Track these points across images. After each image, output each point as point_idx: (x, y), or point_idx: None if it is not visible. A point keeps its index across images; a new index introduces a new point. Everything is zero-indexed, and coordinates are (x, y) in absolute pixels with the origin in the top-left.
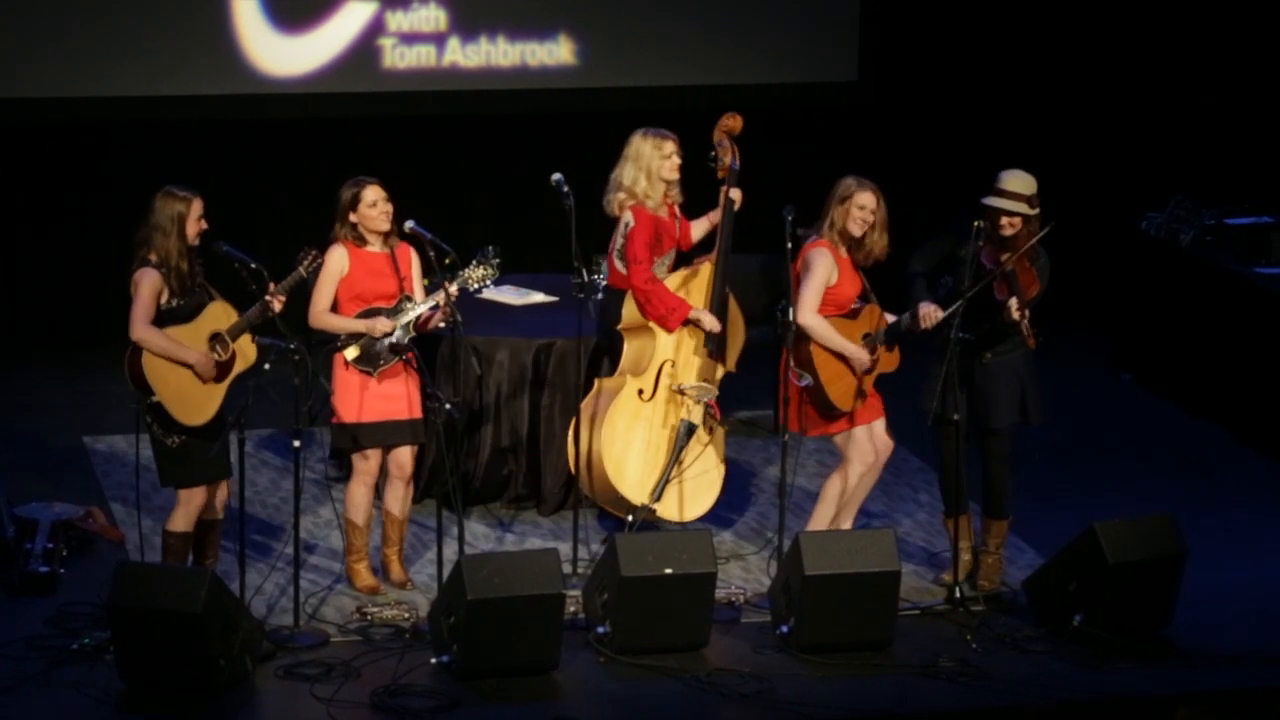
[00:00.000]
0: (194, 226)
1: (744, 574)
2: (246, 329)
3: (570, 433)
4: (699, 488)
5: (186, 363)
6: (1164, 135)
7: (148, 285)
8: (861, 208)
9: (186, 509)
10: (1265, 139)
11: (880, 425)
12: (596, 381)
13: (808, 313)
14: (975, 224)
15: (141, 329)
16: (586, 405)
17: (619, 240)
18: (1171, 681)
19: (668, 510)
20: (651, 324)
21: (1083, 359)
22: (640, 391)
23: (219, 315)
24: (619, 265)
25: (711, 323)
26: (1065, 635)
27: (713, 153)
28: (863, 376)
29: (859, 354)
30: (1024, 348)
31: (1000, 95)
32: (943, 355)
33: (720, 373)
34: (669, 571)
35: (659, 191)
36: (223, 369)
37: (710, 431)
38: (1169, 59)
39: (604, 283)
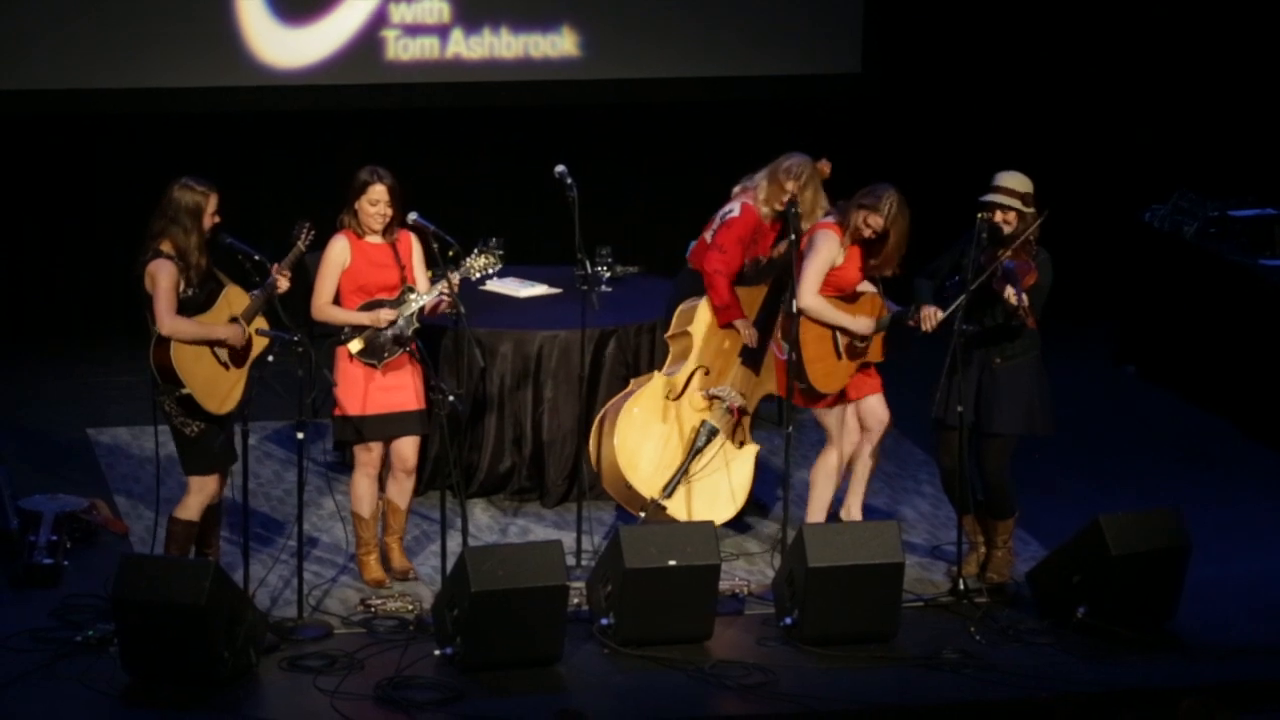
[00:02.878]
0: (209, 220)
1: (748, 566)
2: (259, 311)
3: (595, 424)
4: (711, 495)
5: (219, 340)
6: (1167, 128)
7: (167, 277)
8: (867, 225)
9: (198, 497)
10: (1268, 131)
11: (874, 399)
12: (631, 380)
13: (808, 294)
14: (980, 215)
15: (170, 321)
16: (615, 397)
17: (716, 223)
18: (1175, 674)
19: (676, 509)
20: (692, 332)
21: (1086, 351)
22: (669, 391)
23: (233, 300)
24: (709, 241)
25: (750, 335)
26: (1069, 627)
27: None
28: (851, 363)
29: (860, 324)
30: (1035, 351)
31: (1004, 87)
32: (949, 353)
33: (758, 391)
34: (673, 563)
35: (770, 210)
36: (243, 354)
37: (738, 442)
38: (1173, 51)
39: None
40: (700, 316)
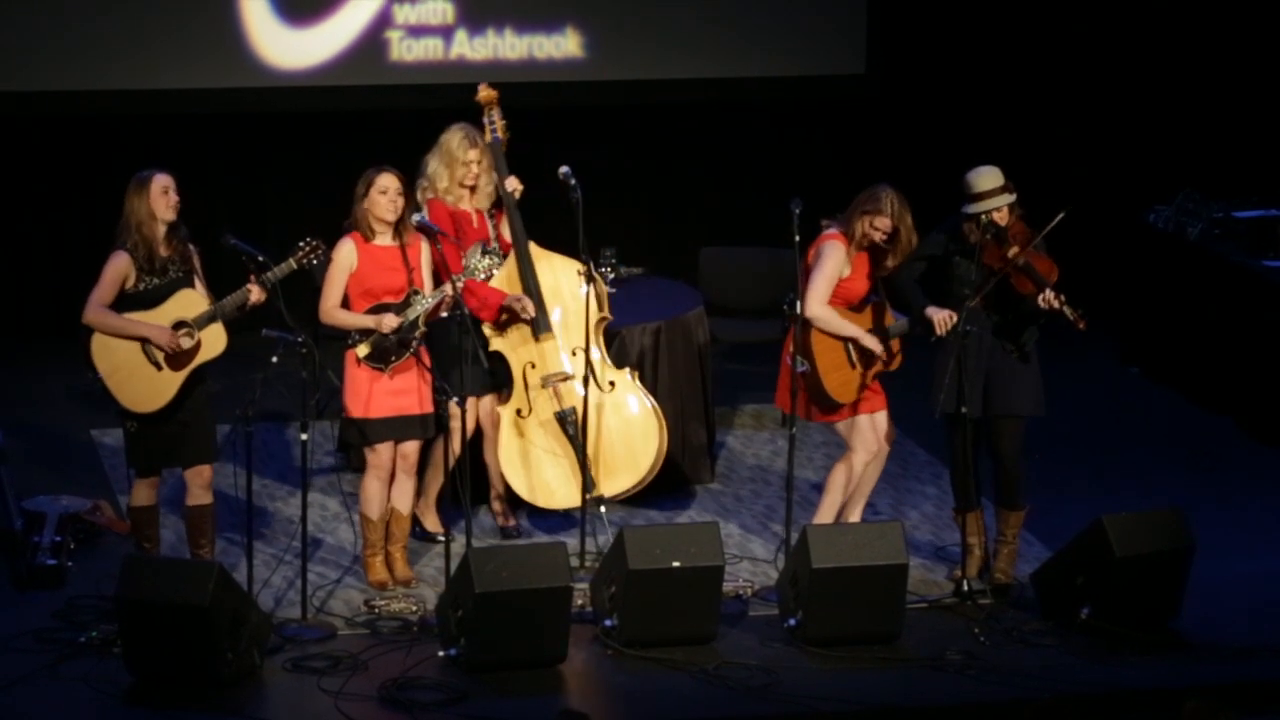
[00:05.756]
0: (161, 200)
1: (751, 567)
2: (216, 318)
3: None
4: (626, 450)
5: (140, 336)
6: (1171, 128)
7: (111, 268)
8: (875, 228)
9: (142, 485)
10: (1272, 132)
11: (883, 416)
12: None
13: (816, 303)
14: (985, 219)
15: (92, 311)
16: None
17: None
18: (1179, 674)
19: (613, 486)
20: (497, 348)
21: (1090, 352)
22: (518, 411)
23: (188, 303)
24: None
25: (522, 305)
26: (1073, 628)
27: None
28: (864, 371)
29: (870, 340)
30: (1036, 335)
31: (1007, 88)
32: (951, 351)
33: (570, 340)
34: (676, 565)
35: (456, 188)
36: (183, 357)
37: (607, 385)
38: (1176, 52)
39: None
40: (490, 338)
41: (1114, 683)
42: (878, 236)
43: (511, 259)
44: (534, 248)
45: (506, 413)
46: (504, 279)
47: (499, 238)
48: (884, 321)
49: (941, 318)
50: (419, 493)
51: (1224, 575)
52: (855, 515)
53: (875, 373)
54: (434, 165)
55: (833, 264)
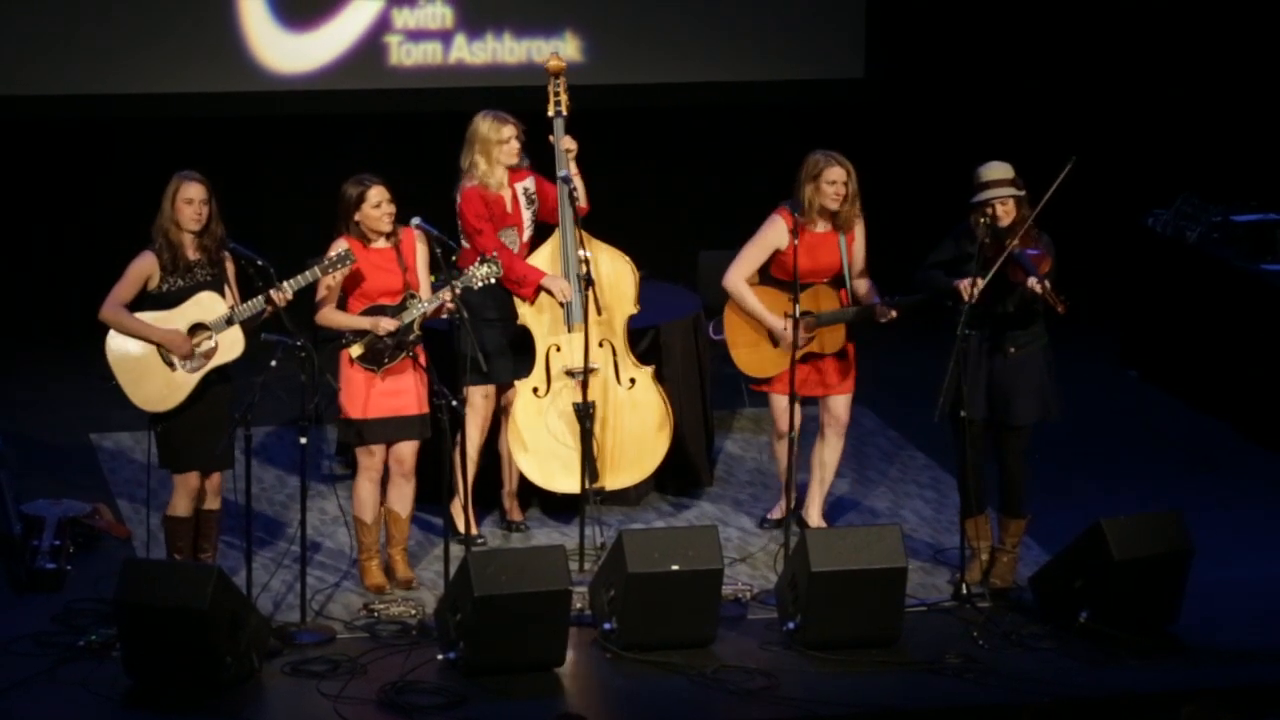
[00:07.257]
0: (185, 210)
1: (750, 570)
2: (235, 323)
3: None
4: (637, 447)
5: (154, 340)
6: (1170, 132)
7: (134, 267)
8: (831, 182)
9: (180, 493)
10: (1271, 136)
11: (840, 400)
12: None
13: (733, 276)
14: (985, 214)
15: (109, 309)
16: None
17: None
18: (1177, 678)
19: (618, 480)
20: (526, 322)
21: (1089, 356)
22: (535, 390)
23: (207, 305)
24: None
25: (560, 289)
26: (1071, 632)
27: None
28: (788, 351)
29: (777, 326)
30: (1046, 338)
31: (1006, 92)
32: (954, 355)
33: (615, 326)
34: (675, 568)
35: (499, 172)
36: (197, 359)
37: (628, 381)
38: (1175, 56)
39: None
40: (519, 309)
41: (1112, 686)
42: (837, 189)
43: (555, 238)
44: (584, 236)
45: (523, 389)
46: (545, 258)
47: (541, 218)
48: (829, 305)
49: (965, 284)
50: (450, 493)
51: (1223, 578)
52: (815, 509)
53: (801, 353)
54: (473, 156)
55: (766, 238)
